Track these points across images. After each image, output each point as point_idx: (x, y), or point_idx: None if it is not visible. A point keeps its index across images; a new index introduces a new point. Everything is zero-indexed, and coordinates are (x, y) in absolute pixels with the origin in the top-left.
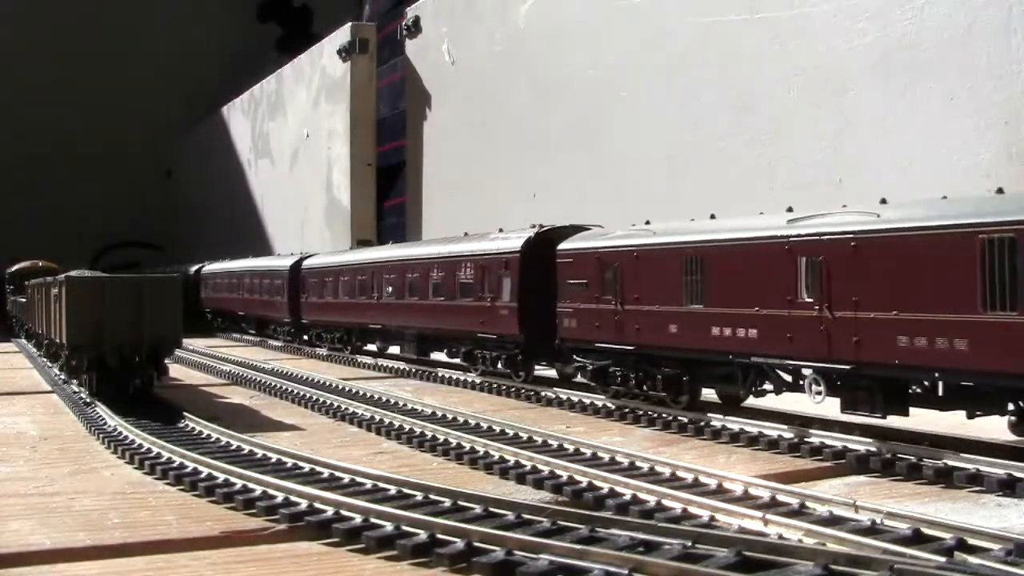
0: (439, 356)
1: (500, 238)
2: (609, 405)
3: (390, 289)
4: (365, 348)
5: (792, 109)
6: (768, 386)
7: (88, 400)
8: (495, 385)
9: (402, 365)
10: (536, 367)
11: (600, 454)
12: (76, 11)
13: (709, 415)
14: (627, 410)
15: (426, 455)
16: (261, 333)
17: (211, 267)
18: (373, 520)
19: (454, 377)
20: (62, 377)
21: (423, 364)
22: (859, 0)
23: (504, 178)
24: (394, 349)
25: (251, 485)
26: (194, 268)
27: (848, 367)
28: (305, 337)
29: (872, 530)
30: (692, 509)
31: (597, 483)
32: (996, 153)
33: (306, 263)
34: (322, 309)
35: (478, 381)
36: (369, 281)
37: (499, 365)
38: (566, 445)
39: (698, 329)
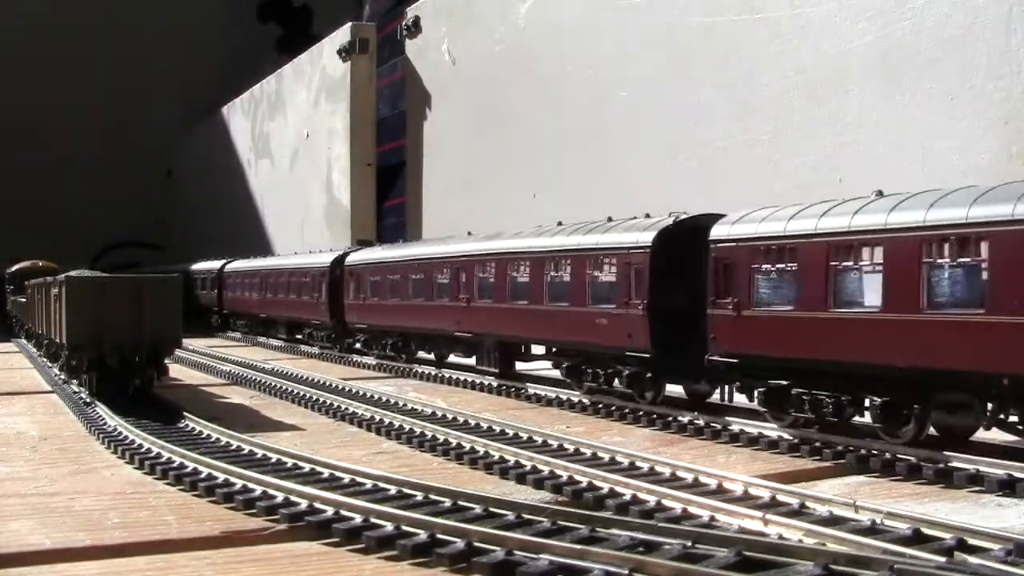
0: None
1: (629, 228)
2: (609, 405)
3: (455, 289)
4: (419, 357)
5: (792, 109)
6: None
7: (88, 400)
8: (495, 385)
9: (420, 367)
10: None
11: (600, 454)
12: (76, 11)
13: (714, 417)
14: (627, 410)
15: (426, 455)
16: (292, 338)
17: (235, 265)
18: (373, 520)
19: (454, 377)
20: (62, 377)
21: (506, 380)
22: (859, 0)
23: (504, 178)
24: (422, 357)
25: (251, 485)
26: (216, 266)
27: None
28: (350, 342)
29: (872, 530)
30: (692, 509)
31: (597, 483)
32: (996, 153)
33: (352, 258)
34: (373, 312)
35: (482, 382)
36: (443, 279)
37: (616, 383)
38: (566, 445)
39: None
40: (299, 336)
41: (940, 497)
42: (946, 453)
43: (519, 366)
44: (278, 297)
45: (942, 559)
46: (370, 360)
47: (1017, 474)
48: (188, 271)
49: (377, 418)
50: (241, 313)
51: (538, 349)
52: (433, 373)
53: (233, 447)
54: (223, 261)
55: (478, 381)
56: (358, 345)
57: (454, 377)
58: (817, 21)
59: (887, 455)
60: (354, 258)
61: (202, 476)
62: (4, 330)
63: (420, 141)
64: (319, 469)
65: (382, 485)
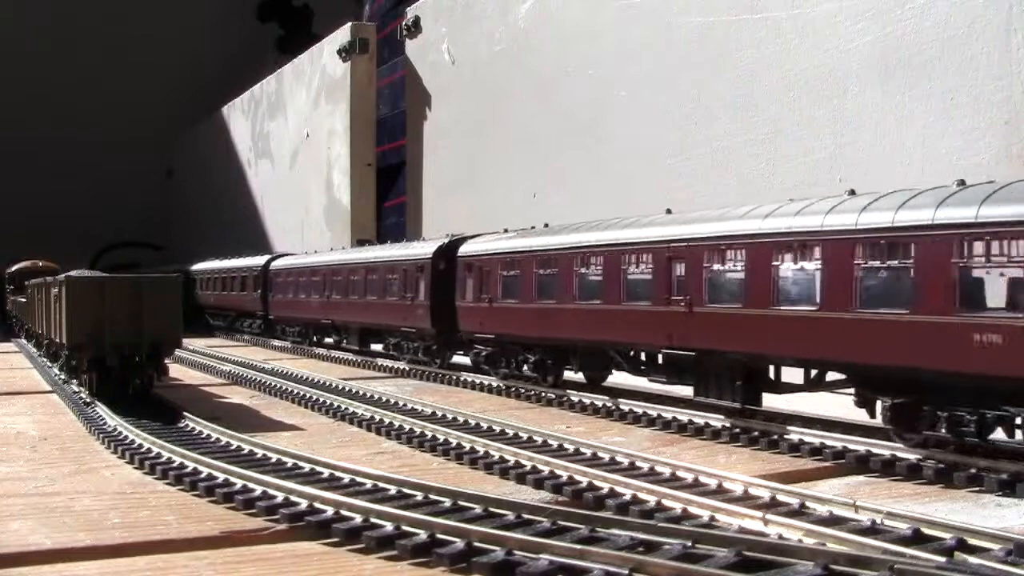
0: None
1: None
2: (609, 405)
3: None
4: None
5: (792, 109)
6: None
7: (88, 400)
8: (495, 385)
9: (403, 366)
10: None
11: (600, 454)
12: (76, 12)
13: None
14: (627, 410)
15: (426, 455)
16: (364, 350)
17: (285, 261)
18: (373, 520)
19: (454, 377)
20: (62, 377)
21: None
22: (859, 0)
23: (504, 178)
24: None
25: (251, 485)
26: (260, 262)
27: None
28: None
29: (872, 530)
30: (692, 509)
31: (597, 483)
32: (996, 153)
33: (470, 248)
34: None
35: (482, 382)
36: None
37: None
38: (566, 445)
39: None
40: (379, 347)
41: (940, 497)
42: (946, 453)
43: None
44: (350, 299)
45: (942, 559)
46: (492, 381)
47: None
48: (221, 269)
49: (377, 418)
50: (292, 319)
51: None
52: (433, 373)
53: (233, 447)
54: (267, 257)
55: (478, 381)
56: (467, 359)
57: (454, 377)
58: (817, 21)
59: (887, 455)
60: (473, 248)
61: (202, 476)
62: (4, 330)
63: (420, 141)
64: (319, 469)
65: (382, 485)
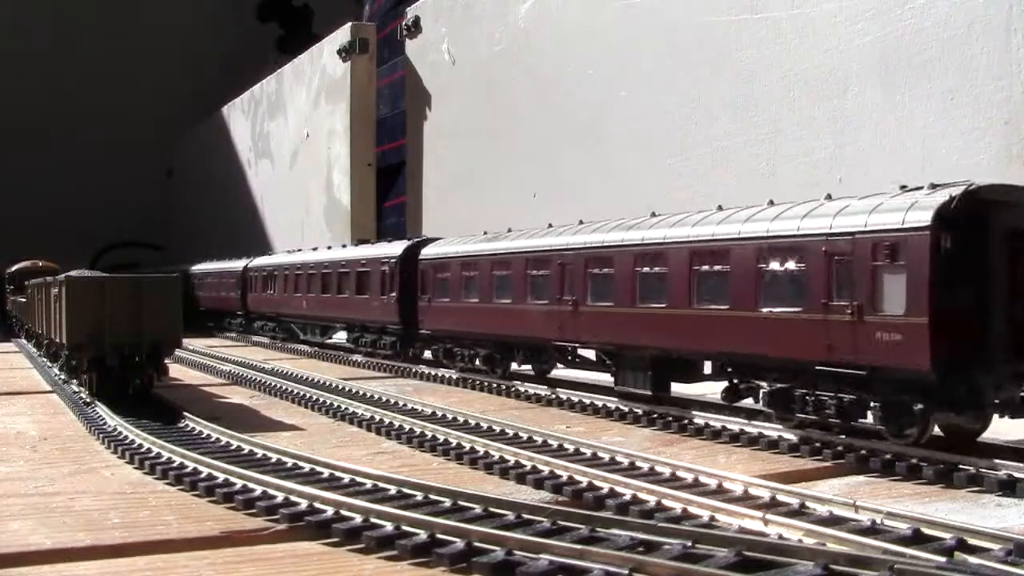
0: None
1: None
2: (609, 406)
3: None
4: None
5: (792, 109)
6: None
7: (88, 400)
8: (495, 385)
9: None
10: None
11: (600, 454)
12: (76, 12)
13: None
14: (627, 410)
15: (426, 455)
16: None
17: (258, 262)
18: (373, 520)
19: (454, 377)
20: (62, 377)
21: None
22: (859, 0)
23: (504, 178)
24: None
25: (251, 485)
26: (240, 265)
27: None
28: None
29: (872, 530)
30: (692, 509)
31: (597, 483)
32: (996, 153)
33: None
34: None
35: (482, 382)
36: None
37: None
38: (566, 445)
39: None
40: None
41: (940, 497)
42: (946, 453)
43: None
44: (317, 295)
45: (942, 559)
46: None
47: (1017, 474)
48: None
49: (377, 418)
50: (266, 315)
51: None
52: (433, 373)
53: (233, 447)
54: (245, 261)
55: (478, 381)
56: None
57: (454, 377)
58: (817, 21)
59: (887, 455)
60: (433, 251)
61: (202, 476)
62: (4, 330)
63: (420, 141)
64: (319, 469)
65: (382, 485)
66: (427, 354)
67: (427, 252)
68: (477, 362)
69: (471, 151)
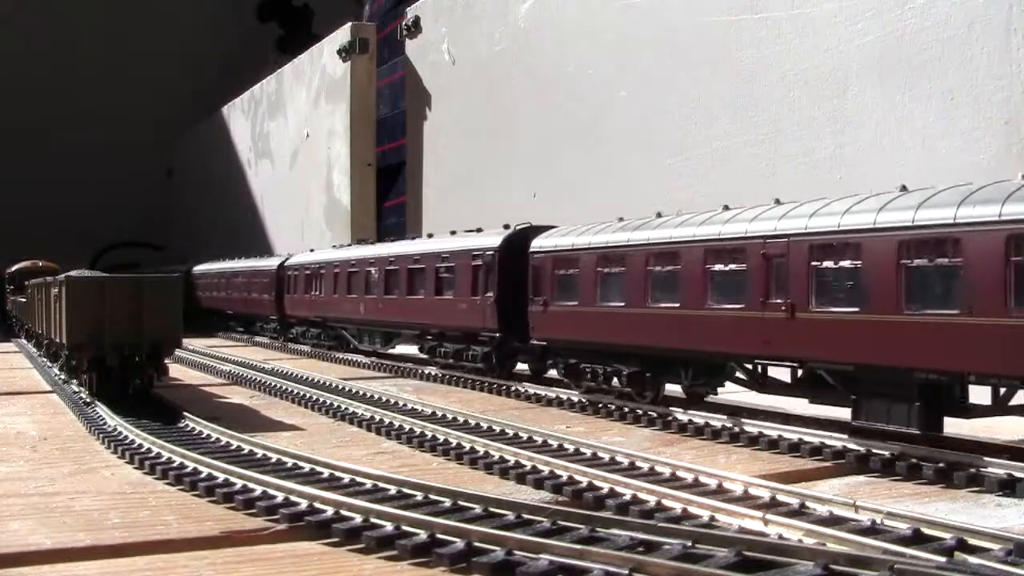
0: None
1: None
2: (609, 405)
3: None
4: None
5: (792, 109)
6: None
7: (88, 400)
8: (494, 385)
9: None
10: None
11: (600, 454)
12: (76, 11)
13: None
14: (627, 410)
15: (426, 455)
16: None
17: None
18: (373, 520)
19: (454, 377)
20: (62, 377)
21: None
22: (859, 0)
23: (504, 178)
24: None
25: (251, 485)
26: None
27: None
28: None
29: (872, 530)
30: (692, 509)
31: (597, 483)
32: (996, 153)
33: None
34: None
35: (482, 382)
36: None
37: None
38: (566, 445)
39: None
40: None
41: (940, 497)
42: (946, 452)
43: None
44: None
45: (942, 559)
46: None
47: (1017, 474)
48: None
49: (377, 418)
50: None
51: None
52: (433, 373)
53: (233, 447)
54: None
55: (478, 381)
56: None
57: (454, 377)
58: (817, 21)
59: (887, 455)
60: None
61: (202, 476)
62: (4, 330)
63: (420, 141)
64: (319, 469)
65: (382, 485)
66: (520, 365)
67: (543, 243)
68: (615, 381)
69: (471, 151)
